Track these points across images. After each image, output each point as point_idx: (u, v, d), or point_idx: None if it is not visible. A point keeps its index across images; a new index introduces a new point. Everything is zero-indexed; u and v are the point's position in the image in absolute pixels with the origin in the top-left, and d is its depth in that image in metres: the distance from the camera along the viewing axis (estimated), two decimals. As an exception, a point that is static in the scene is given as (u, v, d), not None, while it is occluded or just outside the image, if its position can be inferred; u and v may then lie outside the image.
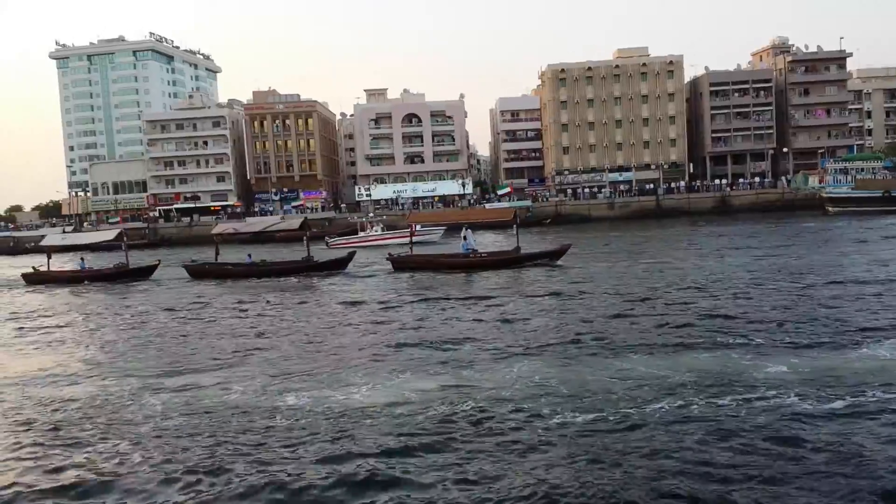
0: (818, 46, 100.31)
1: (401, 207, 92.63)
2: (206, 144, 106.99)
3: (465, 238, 37.86)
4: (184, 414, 13.09)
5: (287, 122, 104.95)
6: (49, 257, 44.11)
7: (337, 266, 38.60)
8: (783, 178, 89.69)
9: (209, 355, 18.33)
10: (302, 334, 20.67)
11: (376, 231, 61.43)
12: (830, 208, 67.37)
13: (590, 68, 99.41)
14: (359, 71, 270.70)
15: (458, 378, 14.61)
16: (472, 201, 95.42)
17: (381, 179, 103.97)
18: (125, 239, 43.98)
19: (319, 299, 28.60)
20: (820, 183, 75.91)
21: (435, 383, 14.29)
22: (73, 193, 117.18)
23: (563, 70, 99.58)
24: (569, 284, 28.33)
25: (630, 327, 18.97)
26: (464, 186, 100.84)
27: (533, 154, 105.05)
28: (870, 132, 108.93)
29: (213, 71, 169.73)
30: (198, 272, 39.54)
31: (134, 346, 20.31)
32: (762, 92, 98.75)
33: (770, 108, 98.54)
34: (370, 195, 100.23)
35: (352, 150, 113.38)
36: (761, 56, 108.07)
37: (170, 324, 24.10)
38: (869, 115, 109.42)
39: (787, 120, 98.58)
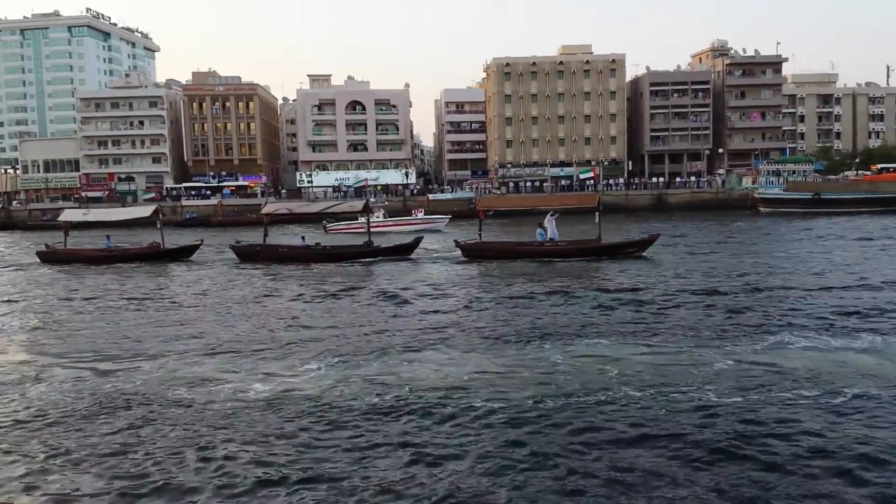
0: (755, 50, 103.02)
1: (343, 195, 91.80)
2: (142, 124, 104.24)
3: (542, 226, 34.82)
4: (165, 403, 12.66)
5: (227, 104, 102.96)
6: (66, 234, 41.02)
7: (402, 252, 36.83)
8: (718, 177, 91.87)
9: (248, 339, 17.81)
10: (361, 324, 19.71)
11: (377, 217, 57.15)
12: (762, 208, 69.25)
13: (534, 63, 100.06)
14: (303, 56, 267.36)
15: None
16: (414, 191, 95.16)
17: (323, 166, 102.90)
18: (161, 216, 40.42)
19: (383, 286, 27.18)
20: (753, 184, 78.03)
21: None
22: (3, 171, 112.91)
23: (508, 64, 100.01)
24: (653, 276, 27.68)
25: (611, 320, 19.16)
26: (407, 176, 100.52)
27: (477, 146, 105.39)
28: (802, 136, 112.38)
29: (152, 50, 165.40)
30: (247, 254, 37.09)
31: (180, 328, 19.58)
32: (700, 93, 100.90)
33: (707, 109, 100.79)
34: (311, 182, 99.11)
35: (294, 135, 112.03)
36: (701, 58, 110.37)
37: (218, 308, 23.04)
38: (802, 119, 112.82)
39: (723, 121, 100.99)
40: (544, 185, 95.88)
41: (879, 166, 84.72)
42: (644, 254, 34.07)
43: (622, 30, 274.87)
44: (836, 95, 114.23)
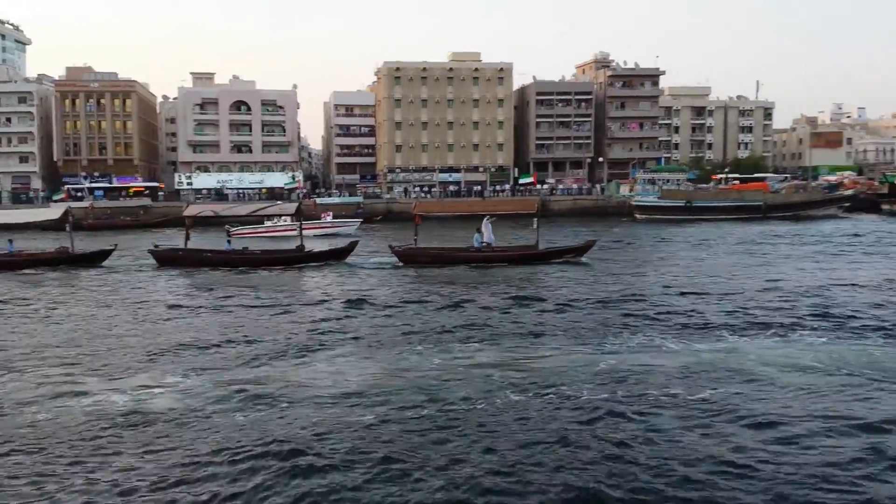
0: (636, 63, 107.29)
1: (226, 198, 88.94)
2: (10, 121, 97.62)
3: (479, 231, 34.73)
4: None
5: (102, 101, 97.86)
6: None
7: (336, 256, 35.79)
8: (598, 185, 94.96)
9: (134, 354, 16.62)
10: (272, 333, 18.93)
11: (286, 221, 54.81)
12: (638, 215, 71.99)
13: (425, 69, 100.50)
14: (185, 54, 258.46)
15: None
16: (301, 195, 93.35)
17: (204, 168, 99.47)
18: (71, 218, 37.35)
19: (306, 293, 26.61)
20: (630, 192, 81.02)
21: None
22: None
23: (398, 68, 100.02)
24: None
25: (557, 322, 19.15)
26: (294, 179, 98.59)
27: (366, 150, 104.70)
28: (676, 146, 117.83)
29: (23, 43, 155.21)
30: (167, 259, 34.99)
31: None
32: (584, 103, 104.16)
33: (590, 119, 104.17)
34: (191, 184, 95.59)
35: (174, 135, 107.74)
36: (584, 69, 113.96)
37: (116, 317, 21.66)
38: (677, 130, 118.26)
39: (604, 131, 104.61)
40: (432, 189, 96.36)
41: (719, 176, 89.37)
42: (583, 259, 34.73)
43: (510, 39, 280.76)
44: (708, 108, 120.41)
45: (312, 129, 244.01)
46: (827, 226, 58.51)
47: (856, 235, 48.92)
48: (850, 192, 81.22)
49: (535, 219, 35.31)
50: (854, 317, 19.77)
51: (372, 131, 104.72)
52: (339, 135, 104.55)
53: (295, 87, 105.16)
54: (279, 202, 64.03)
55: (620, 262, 35.46)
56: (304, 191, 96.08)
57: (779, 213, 68.95)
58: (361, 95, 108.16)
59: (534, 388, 13.37)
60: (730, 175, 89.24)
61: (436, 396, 12.96)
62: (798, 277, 28.51)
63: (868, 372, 14.21)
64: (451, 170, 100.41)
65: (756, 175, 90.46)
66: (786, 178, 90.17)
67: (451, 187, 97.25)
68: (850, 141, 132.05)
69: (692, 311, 21.02)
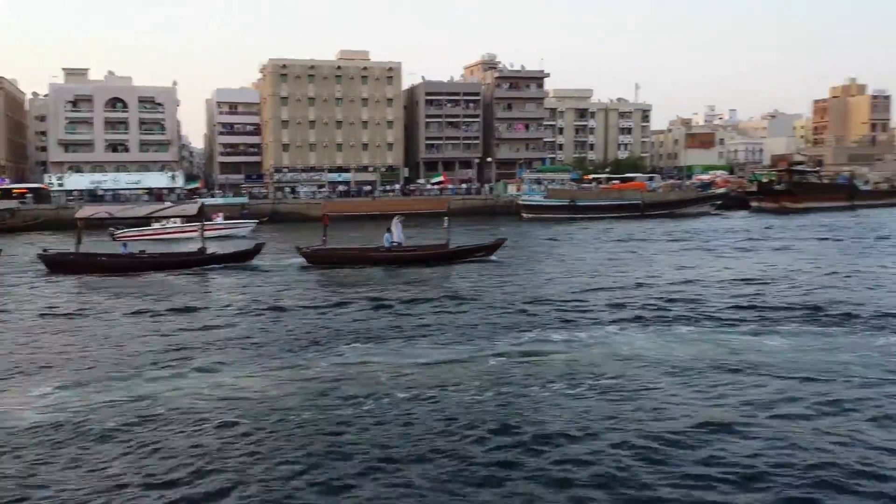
0: (522, 65, 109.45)
1: (101, 199, 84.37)
2: None
3: (389, 230, 34.35)
4: None
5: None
6: None
7: (240, 259, 34.41)
8: (486, 185, 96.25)
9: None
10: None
11: (175, 223, 52.32)
12: (525, 214, 73.36)
13: (312, 66, 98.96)
14: (58, 50, 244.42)
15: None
16: (181, 195, 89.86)
17: (77, 168, 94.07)
18: None
19: (203, 297, 25.32)
20: (517, 191, 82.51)
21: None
22: None
23: (285, 66, 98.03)
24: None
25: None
26: (174, 179, 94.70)
27: (251, 149, 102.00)
28: (561, 147, 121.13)
29: None
30: (57, 263, 32.65)
31: None
32: (472, 104, 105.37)
33: (478, 119, 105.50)
34: (62, 185, 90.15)
35: (44, 134, 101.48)
36: (472, 70, 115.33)
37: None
38: (561, 131, 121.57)
39: (492, 132, 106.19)
40: (321, 189, 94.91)
41: (591, 176, 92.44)
42: (493, 257, 34.95)
43: (399, 39, 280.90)
44: (591, 110, 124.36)
45: (194, 128, 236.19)
46: (700, 223, 61.50)
47: (727, 232, 51.67)
48: (721, 190, 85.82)
49: (447, 218, 35.54)
50: (721, 308, 20.85)
51: (257, 130, 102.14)
52: (222, 133, 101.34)
53: (175, 83, 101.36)
54: (170, 203, 60.95)
55: (525, 260, 36.05)
56: (185, 191, 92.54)
57: (656, 210, 71.89)
58: (246, 93, 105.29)
59: (423, 387, 13.38)
60: (599, 175, 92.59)
61: (324, 401, 12.71)
62: (674, 272, 29.83)
63: (728, 358, 15.12)
64: (340, 169, 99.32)
65: (626, 175, 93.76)
66: (651, 177, 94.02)
67: (341, 187, 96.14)
68: (722, 141, 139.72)
69: (582, 306, 21.65)
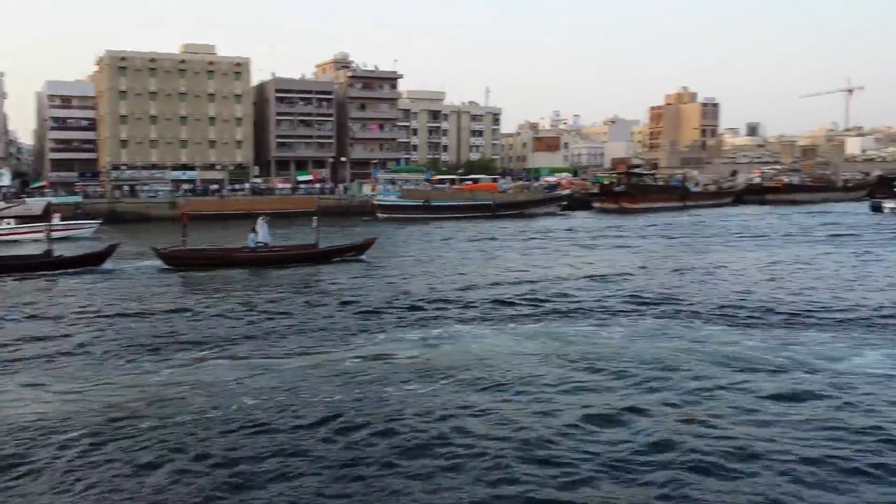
0: (375, 66, 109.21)
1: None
2: None
3: (254, 230, 32.89)
4: None
5: None
6: None
7: (91, 262, 31.40)
8: (341, 185, 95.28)
9: None
10: None
11: (9, 224, 48.35)
12: (380, 214, 73.24)
13: (154, 60, 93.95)
14: None
15: None
16: (7, 195, 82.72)
17: None
18: None
19: (42, 305, 22.44)
20: (372, 191, 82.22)
21: None
22: None
23: (123, 58, 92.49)
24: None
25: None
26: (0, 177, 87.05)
27: (86, 145, 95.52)
28: (415, 148, 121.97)
29: None
30: None
31: None
32: (325, 103, 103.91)
33: (331, 118, 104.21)
34: None
35: None
36: (325, 69, 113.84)
37: None
38: (415, 132, 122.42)
39: (346, 131, 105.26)
40: (164, 188, 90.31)
41: (437, 177, 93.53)
42: (363, 257, 34.55)
43: (247, 35, 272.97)
44: (444, 112, 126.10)
45: (23, 123, 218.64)
46: (548, 222, 63.80)
47: (573, 231, 53.89)
48: (567, 191, 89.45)
49: (315, 217, 35.12)
50: (568, 303, 21.72)
51: (93, 125, 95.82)
52: (54, 128, 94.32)
53: (1, 74, 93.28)
54: (26, 203, 55.70)
55: (393, 259, 36.00)
56: (13, 190, 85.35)
57: (507, 211, 73.91)
58: (80, 86, 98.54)
59: (274, 392, 13.03)
60: (447, 177, 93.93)
61: (167, 410, 12.07)
62: (525, 269, 30.76)
63: (569, 350, 15.83)
64: (185, 167, 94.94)
65: (472, 176, 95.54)
66: (496, 178, 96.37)
67: (186, 186, 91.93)
68: (566, 145, 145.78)
69: (443, 304, 21.85)
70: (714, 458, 9.92)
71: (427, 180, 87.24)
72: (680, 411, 11.87)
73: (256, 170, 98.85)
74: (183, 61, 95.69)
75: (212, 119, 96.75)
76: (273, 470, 9.72)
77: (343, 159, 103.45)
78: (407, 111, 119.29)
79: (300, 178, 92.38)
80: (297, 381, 13.68)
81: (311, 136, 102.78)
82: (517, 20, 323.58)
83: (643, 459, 9.98)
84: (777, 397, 12.41)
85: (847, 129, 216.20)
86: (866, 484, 9.22)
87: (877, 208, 65.05)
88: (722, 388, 13.02)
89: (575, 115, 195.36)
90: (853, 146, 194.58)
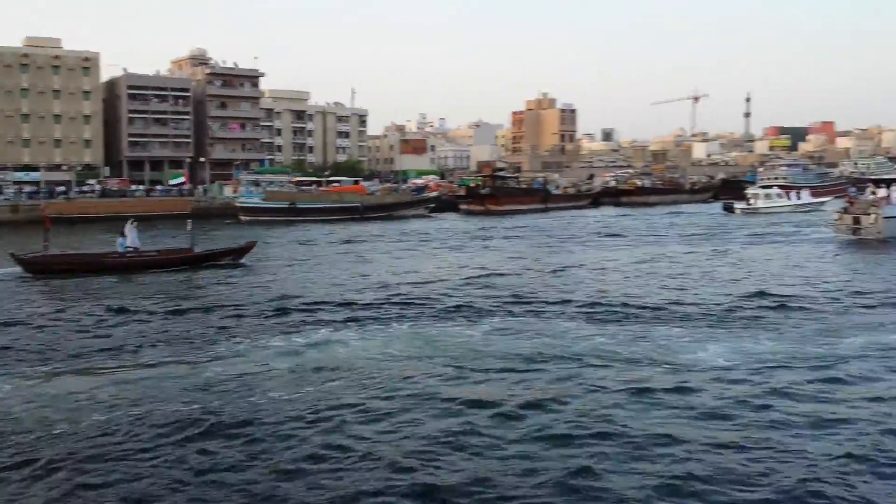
0: (234, 63, 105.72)
1: None
2: None
3: (123, 234, 31.08)
4: None
5: None
6: None
7: None
8: (200, 186, 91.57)
9: None
10: None
11: None
12: (243, 217, 70.90)
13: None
14: None
15: None
16: None
17: None
18: None
19: None
20: (234, 193, 79.47)
21: None
22: None
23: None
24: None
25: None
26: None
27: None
28: (279, 148, 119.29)
29: None
30: None
31: None
32: (181, 100, 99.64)
33: (189, 117, 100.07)
34: None
35: None
36: (181, 65, 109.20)
37: None
38: (279, 132, 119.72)
39: (205, 130, 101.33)
40: (5, 191, 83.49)
41: (296, 179, 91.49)
42: (242, 261, 33.25)
43: (96, 28, 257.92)
44: (308, 112, 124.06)
45: None
46: (417, 224, 63.94)
47: (441, 232, 54.28)
48: (434, 194, 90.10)
49: (190, 220, 34.00)
50: (432, 303, 21.89)
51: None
52: None
53: None
54: None
55: (266, 264, 34.79)
56: None
57: (375, 213, 73.49)
58: None
59: (124, 404, 12.38)
60: (305, 178, 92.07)
61: (7, 429, 11.23)
62: (395, 271, 30.65)
63: (440, 350, 16.00)
64: (27, 168, 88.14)
65: (332, 179, 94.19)
66: (357, 180, 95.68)
67: (28, 188, 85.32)
68: (433, 148, 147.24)
69: (315, 308, 21.43)
70: (564, 437, 10.85)
71: (290, 182, 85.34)
72: (534, 399, 12.49)
73: (107, 170, 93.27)
74: (25, 55, 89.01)
75: (57, 117, 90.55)
76: (121, 480, 9.34)
77: (202, 160, 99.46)
78: (270, 111, 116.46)
79: (173, 181, 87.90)
80: (153, 392, 13.05)
81: (166, 136, 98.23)
82: (383, 21, 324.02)
83: (496, 441, 10.74)
84: (627, 389, 13.00)
85: (694, 135, 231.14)
86: (700, 456, 10.10)
87: (729, 209, 69.49)
88: (573, 378, 13.72)
89: (441, 118, 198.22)
90: (699, 151, 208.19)
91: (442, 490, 9.14)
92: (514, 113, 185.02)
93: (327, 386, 13.45)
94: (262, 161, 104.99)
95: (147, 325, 19.41)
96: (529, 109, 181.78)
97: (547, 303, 21.75)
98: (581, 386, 13.26)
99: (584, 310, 20.63)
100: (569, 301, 21.94)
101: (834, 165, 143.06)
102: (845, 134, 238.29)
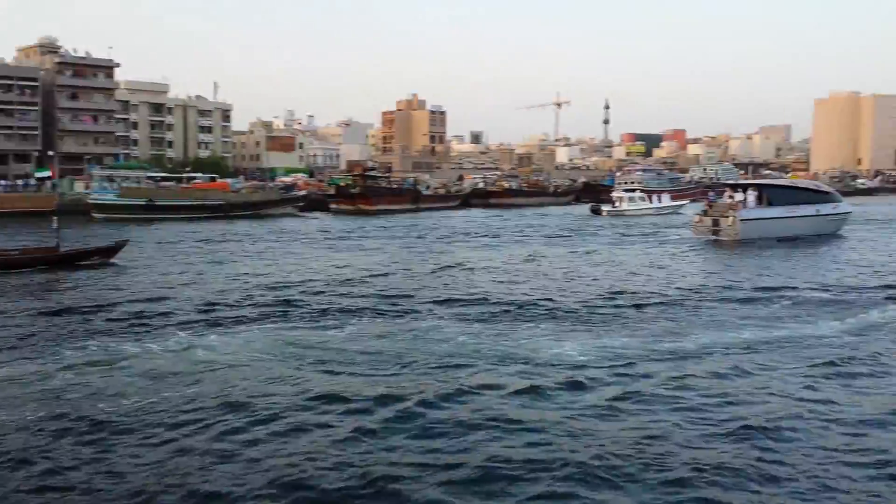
0: (87, 52, 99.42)
1: None
2: None
3: None
4: None
5: None
6: None
7: None
8: (48, 181, 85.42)
9: None
10: None
11: None
12: (96, 214, 66.88)
13: None
14: None
15: None
16: None
17: None
18: None
19: None
20: (86, 189, 74.81)
21: None
22: None
23: None
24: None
25: None
26: None
27: None
28: (136, 143, 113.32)
29: None
30: None
31: None
32: (28, 90, 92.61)
33: (36, 108, 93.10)
34: None
35: None
36: (28, 53, 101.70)
37: None
38: (135, 126, 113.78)
39: (54, 122, 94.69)
40: None
41: (147, 175, 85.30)
42: (113, 261, 31.47)
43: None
44: (168, 105, 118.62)
45: None
46: (285, 223, 62.43)
47: (311, 232, 53.22)
48: (303, 192, 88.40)
49: (55, 217, 32.04)
50: (300, 304, 21.36)
51: None
52: None
53: None
54: None
55: (146, 262, 33.01)
56: None
57: (240, 211, 71.20)
58: None
59: None
60: (155, 174, 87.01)
61: None
62: (263, 272, 29.68)
63: (305, 351, 15.74)
64: None
65: (189, 175, 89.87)
66: (213, 177, 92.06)
67: None
68: (301, 145, 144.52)
69: (170, 310, 20.44)
70: (423, 429, 11.22)
71: (151, 178, 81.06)
72: (391, 396, 12.65)
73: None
74: None
75: None
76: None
77: (51, 153, 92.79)
78: (126, 103, 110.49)
79: (38, 175, 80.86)
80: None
81: (10, 127, 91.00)
82: (248, 18, 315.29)
83: (356, 436, 10.90)
84: (482, 385, 13.32)
85: (557, 140, 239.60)
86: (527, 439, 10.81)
87: (596, 211, 72.46)
88: (432, 376, 13.92)
89: (309, 116, 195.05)
90: (562, 155, 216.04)
91: (301, 488, 9.19)
92: (385, 113, 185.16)
93: (185, 390, 12.99)
94: (116, 156, 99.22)
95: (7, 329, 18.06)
96: (400, 110, 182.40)
97: (417, 303, 21.67)
98: (441, 383, 13.39)
99: (452, 309, 20.68)
100: (439, 301, 21.96)
101: (685, 171, 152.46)
102: (696, 141, 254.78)
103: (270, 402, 12.26)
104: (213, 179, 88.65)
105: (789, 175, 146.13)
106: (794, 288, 24.16)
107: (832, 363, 14.73)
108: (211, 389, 12.99)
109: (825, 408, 12.14)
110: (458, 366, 14.55)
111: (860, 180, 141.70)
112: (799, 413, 11.79)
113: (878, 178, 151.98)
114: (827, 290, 23.75)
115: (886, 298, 22.17)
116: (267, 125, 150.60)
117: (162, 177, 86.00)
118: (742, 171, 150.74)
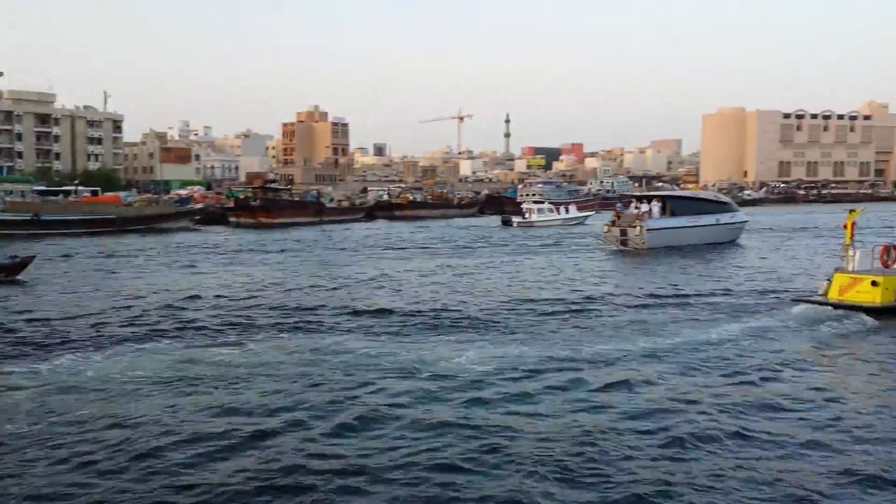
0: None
1: None
2: None
3: None
4: None
5: None
6: None
7: None
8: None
9: None
10: None
11: None
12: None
13: None
14: None
15: None
16: None
17: None
18: None
19: None
20: (-37, 203, 70.04)
21: None
22: None
23: None
24: None
25: None
26: None
27: None
28: (20, 155, 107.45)
29: None
30: None
31: None
32: None
33: None
34: None
35: None
36: None
37: None
38: (20, 137, 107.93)
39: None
40: None
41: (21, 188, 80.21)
42: (19, 278, 29.59)
43: None
44: (55, 116, 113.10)
45: None
46: (182, 237, 60.25)
47: (209, 246, 51.50)
48: (200, 205, 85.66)
49: None
50: (200, 322, 20.60)
51: None
52: None
53: None
54: None
55: (60, 281, 31.03)
56: None
57: (133, 225, 68.36)
58: None
59: None
60: (38, 188, 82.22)
61: None
62: (159, 289, 28.38)
63: (194, 370, 15.18)
64: None
65: (61, 189, 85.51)
66: (95, 191, 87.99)
67: None
68: (198, 157, 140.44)
69: (57, 331, 19.29)
70: (331, 435, 11.40)
71: (37, 191, 76.70)
72: (286, 409, 12.59)
73: None
74: None
75: None
76: None
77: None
78: (10, 113, 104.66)
79: None
80: None
81: None
82: (143, 24, 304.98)
83: (248, 451, 10.83)
84: (385, 393, 13.47)
85: (460, 153, 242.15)
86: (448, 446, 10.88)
87: (507, 223, 73.61)
88: (333, 390, 13.73)
89: (206, 127, 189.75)
90: (465, 168, 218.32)
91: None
92: (285, 125, 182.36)
93: (72, 413, 12.37)
94: (0, 169, 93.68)
95: None
96: (301, 121, 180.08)
97: (322, 317, 21.27)
98: (343, 395, 13.30)
99: (357, 322, 20.42)
100: (344, 314, 21.64)
101: (583, 183, 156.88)
102: (593, 155, 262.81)
103: (157, 423, 11.82)
104: (94, 193, 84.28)
105: (682, 186, 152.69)
106: (698, 294, 25.04)
107: (728, 363, 15.49)
108: (97, 411, 12.39)
109: (716, 400, 12.90)
110: (360, 382, 14.29)
111: (747, 192, 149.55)
112: (692, 417, 12.15)
113: (763, 189, 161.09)
114: (728, 295, 24.76)
115: (785, 301, 23.11)
116: (161, 136, 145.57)
117: (47, 190, 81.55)
118: (636, 184, 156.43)
